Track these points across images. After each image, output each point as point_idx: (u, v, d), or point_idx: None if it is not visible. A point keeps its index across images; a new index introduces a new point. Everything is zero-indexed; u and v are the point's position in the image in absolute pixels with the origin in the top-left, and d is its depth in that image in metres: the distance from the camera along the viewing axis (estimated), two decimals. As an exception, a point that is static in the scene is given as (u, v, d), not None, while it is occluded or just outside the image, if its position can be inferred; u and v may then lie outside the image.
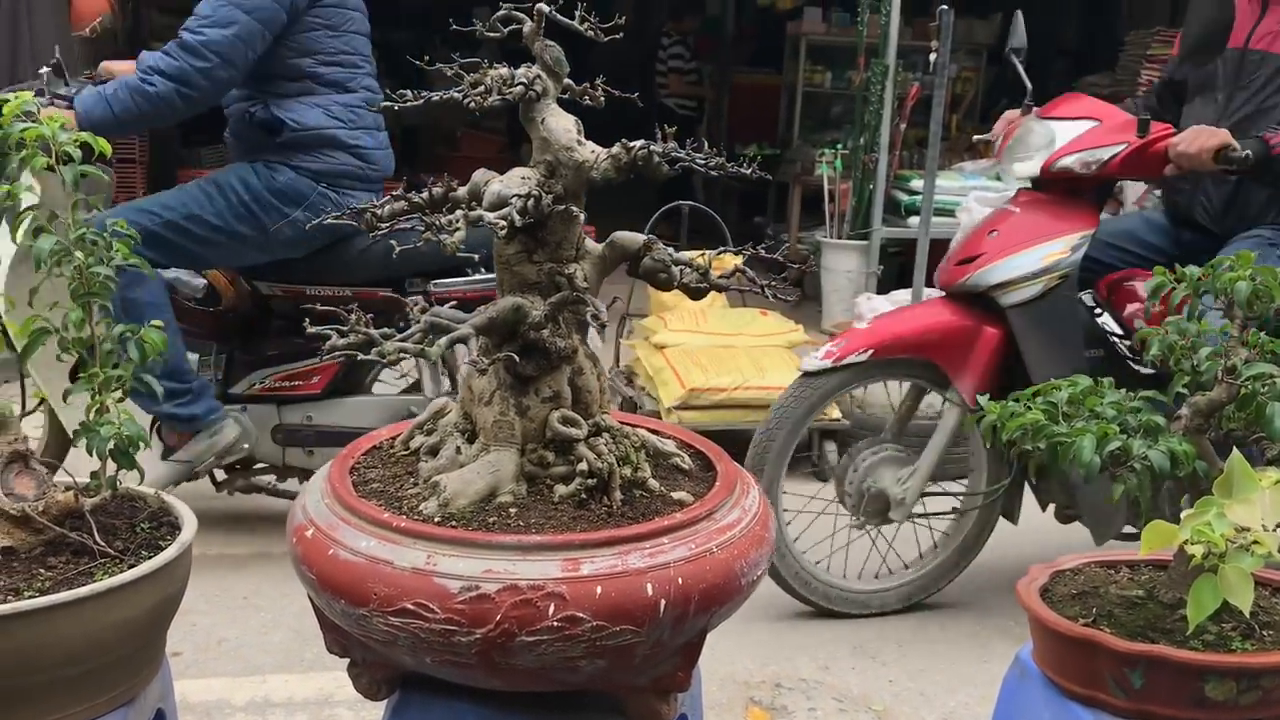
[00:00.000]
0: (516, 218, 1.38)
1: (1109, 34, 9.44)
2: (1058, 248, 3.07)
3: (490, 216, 1.42)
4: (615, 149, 1.53)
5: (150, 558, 1.54)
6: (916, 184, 6.98)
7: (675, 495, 1.58)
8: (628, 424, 1.73)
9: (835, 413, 4.51)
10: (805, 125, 9.39)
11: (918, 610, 3.41)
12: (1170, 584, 1.67)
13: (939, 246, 5.51)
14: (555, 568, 1.39)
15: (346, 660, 1.66)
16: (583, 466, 1.54)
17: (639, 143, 1.52)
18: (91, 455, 1.60)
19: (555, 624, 1.37)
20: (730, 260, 4.68)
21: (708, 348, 4.64)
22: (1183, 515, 1.13)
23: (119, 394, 1.65)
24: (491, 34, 1.60)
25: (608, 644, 1.39)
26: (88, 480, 1.66)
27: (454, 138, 9.46)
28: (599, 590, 1.38)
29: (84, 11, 6.06)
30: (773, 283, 1.59)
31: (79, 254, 1.58)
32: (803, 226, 8.57)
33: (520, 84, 1.47)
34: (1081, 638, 1.59)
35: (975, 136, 4.45)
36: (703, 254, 1.62)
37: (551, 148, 1.54)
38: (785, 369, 4.48)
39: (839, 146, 7.64)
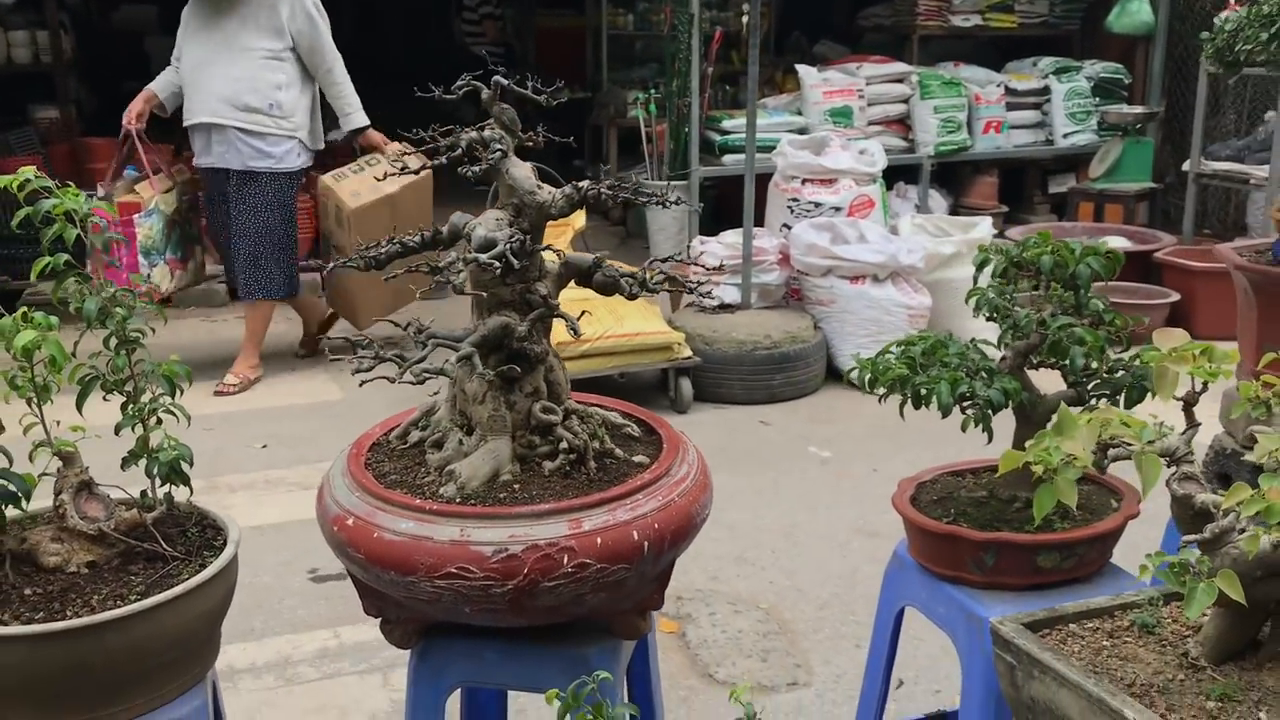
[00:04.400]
0: (514, 261, 1.75)
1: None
2: None
3: (484, 258, 1.78)
4: (568, 189, 1.91)
5: (213, 557, 1.86)
6: (728, 124, 7.48)
7: (636, 459, 1.99)
8: (585, 403, 2.13)
9: (687, 350, 4.99)
10: (612, 67, 9.75)
11: (787, 522, 3.95)
12: (1005, 485, 2.20)
13: (762, 180, 5.98)
14: (564, 527, 1.78)
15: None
16: (564, 445, 1.94)
17: (586, 183, 1.91)
18: (151, 477, 1.90)
19: (569, 570, 1.77)
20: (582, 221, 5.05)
21: (566, 302, 5.02)
22: (1027, 444, 1.61)
23: (156, 421, 1.94)
24: (447, 95, 1.95)
25: (608, 580, 1.81)
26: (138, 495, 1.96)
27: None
28: (599, 540, 1.79)
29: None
30: (697, 285, 2.01)
31: (119, 310, 1.86)
32: (621, 167, 8.99)
33: (498, 150, 1.82)
34: (946, 533, 2.10)
35: None
36: (642, 267, 2.01)
37: (517, 192, 1.90)
38: (640, 316, 4.92)
39: (652, 91, 8.05)
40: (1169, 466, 1.57)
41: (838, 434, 4.76)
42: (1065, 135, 8.07)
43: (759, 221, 6.00)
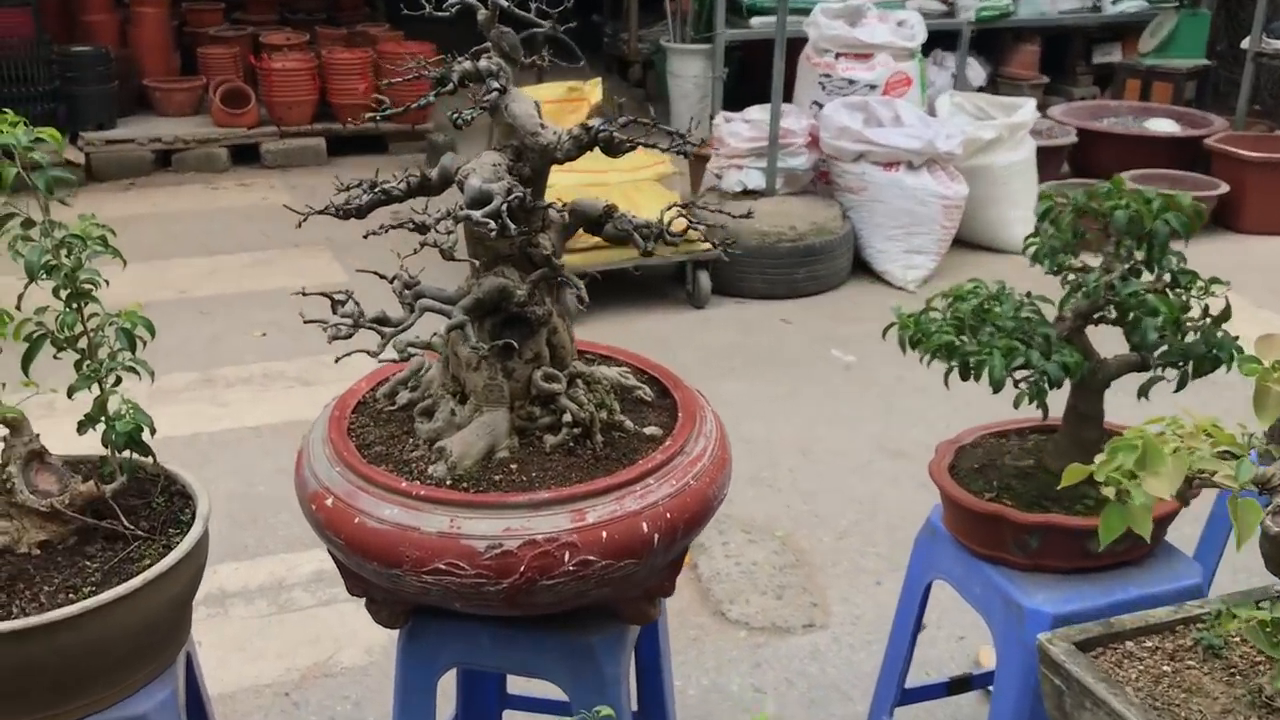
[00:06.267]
0: (511, 225, 1.51)
1: None
2: None
3: (478, 215, 1.54)
4: (576, 130, 1.66)
5: (179, 535, 1.68)
6: (756, -17, 7.03)
7: (647, 431, 1.79)
8: (593, 354, 1.93)
9: (706, 245, 4.72)
10: (635, -84, 9.17)
11: (805, 437, 3.76)
12: (1055, 454, 2.00)
13: (793, 46, 5.52)
14: (565, 520, 1.59)
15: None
16: (567, 418, 1.73)
17: (597, 122, 1.66)
18: (106, 447, 1.71)
19: (571, 568, 1.59)
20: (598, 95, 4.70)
21: (581, 186, 4.75)
22: (1097, 459, 1.40)
23: (114, 380, 1.74)
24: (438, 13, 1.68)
25: (614, 575, 1.62)
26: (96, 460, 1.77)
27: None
28: (604, 535, 1.60)
29: None
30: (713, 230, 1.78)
31: (65, 259, 1.64)
32: (641, 26, 8.55)
33: (495, 89, 1.56)
34: (989, 513, 1.91)
35: None
36: (660, 215, 1.77)
37: (518, 133, 1.65)
38: (657, 202, 4.64)
39: (676, -55, 7.56)
40: (1260, 495, 1.36)
41: (862, 334, 4.53)
42: (1114, 2, 7.57)
43: (787, 97, 5.64)
